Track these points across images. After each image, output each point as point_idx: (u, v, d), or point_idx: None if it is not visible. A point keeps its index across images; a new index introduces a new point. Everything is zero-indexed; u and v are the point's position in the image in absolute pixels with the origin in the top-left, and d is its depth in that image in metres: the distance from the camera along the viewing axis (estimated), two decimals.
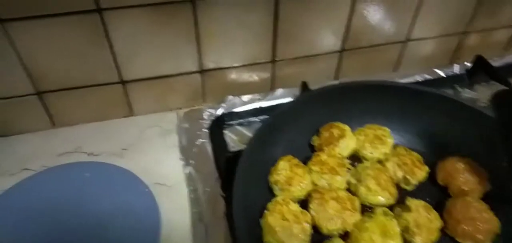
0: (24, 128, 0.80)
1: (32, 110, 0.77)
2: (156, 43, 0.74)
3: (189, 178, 0.72)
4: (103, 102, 0.81)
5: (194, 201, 0.69)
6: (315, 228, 0.57)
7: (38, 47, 0.69)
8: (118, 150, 0.77)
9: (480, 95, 0.87)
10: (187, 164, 0.75)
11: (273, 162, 0.63)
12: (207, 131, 0.79)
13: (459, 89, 0.90)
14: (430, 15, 0.86)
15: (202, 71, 0.82)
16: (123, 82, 0.78)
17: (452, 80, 0.91)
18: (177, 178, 0.73)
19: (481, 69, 0.88)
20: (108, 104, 0.81)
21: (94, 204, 0.66)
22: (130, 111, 0.84)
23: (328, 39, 0.85)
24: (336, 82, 0.90)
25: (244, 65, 0.84)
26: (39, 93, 0.75)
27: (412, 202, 0.57)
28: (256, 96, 0.85)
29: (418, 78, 0.90)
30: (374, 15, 0.83)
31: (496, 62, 0.91)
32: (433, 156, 0.66)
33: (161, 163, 0.75)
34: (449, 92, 0.87)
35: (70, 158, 0.75)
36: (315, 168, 0.61)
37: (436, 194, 0.63)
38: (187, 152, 0.76)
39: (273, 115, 0.61)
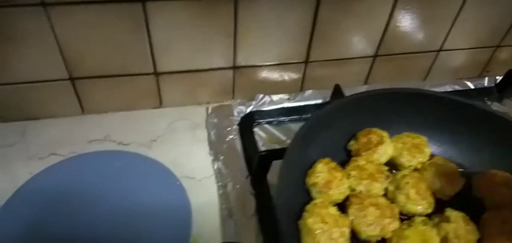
0: (54, 112, 0.79)
1: (63, 95, 0.77)
2: (193, 37, 0.74)
3: (218, 174, 0.72)
4: (135, 92, 0.80)
5: (223, 197, 0.69)
6: (353, 233, 0.56)
7: (77, 33, 0.68)
8: (147, 141, 0.77)
9: (509, 109, 0.87)
10: (216, 159, 0.74)
11: (310, 164, 0.62)
12: (237, 127, 0.78)
13: (488, 102, 0.89)
14: (466, 26, 0.86)
15: (234, 68, 0.81)
16: (157, 74, 0.78)
17: (481, 92, 0.90)
18: (206, 172, 0.73)
19: (511, 84, 0.87)
20: (139, 94, 0.81)
21: (124, 194, 0.66)
22: (159, 103, 0.84)
23: (363, 44, 0.84)
24: (365, 87, 0.90)
25: (276, 64, 0.83)
26: (72, 79, 0.75)
27: (452, 213, 0.56)
28: (286, 96, 0.85)
29: (448, 88, 0.90)
30: (411, 23, 0.82)
31: None
32: (471, 167, 0.66)
33: (190, 156, 0.75)
34: (478, 104, 0.87)
35: (99, 146, 0.75)
36: (353, 173, 0.61)
37: (470, 206, 0.62)
38: (217, 147, 0.76)
39: (313, 118, 0.61)
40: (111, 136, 0.77)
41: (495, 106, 0.89)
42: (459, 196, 0.63)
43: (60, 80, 0.74)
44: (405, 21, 0.81)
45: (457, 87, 0.90)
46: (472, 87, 0.91)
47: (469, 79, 0.93)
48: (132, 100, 0.82)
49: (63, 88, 0.76)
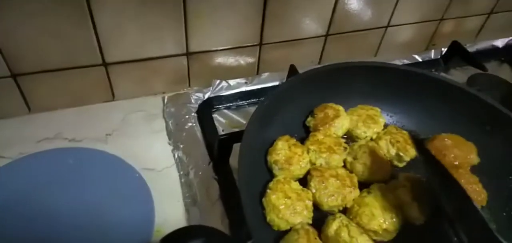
0: None
1: (7, 94, 0.72)
2: (141, 24, 0.71)
3: (180, 163, 0.71)
4: (84, 86, 0.77)
5: (186, 185, 0.67)
6: (315, 206, 0.57)
7: (15, 26, 0.64)
8: (102, 136, 0.74)
9: (455, 78, 0.91)
10: (176, 148, 0.73)
11: (270, 143, 0.62)
12: (195, 115, 0.77)
13: (435, 73, 0.93)
14: (411, 1, 0.89)
15: (188, 54, 0.80)
16: (106, 65, 0.75)
17: (428, 64, 0.95)
18: (167, 162, 0.71)
19: (456, 54, 0.92)
20: (89, 88, 0.77)
21: (81, 191, 0.63)
22: (112, 96, 0.81)
23: (314, 24, 0.86)
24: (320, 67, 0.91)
25: (231, 48, 0.83)
26: (14, 76, 0.70)
27: (403, 175, 0.59)
28: (243, 80, 0.85)
29: (397, 62, 0.93)
30: (359, 1, 0.84)
31: (469, 48, 0.95)
32: (422, 134, 0.69)
33: (148, 148, 0.73)
34: (427, 72, 0.91)
35: (50, 145, 0.71)
36: (313, 147, 0.62)
37: None
38: (176, 136, 0.74)
39: (269, 97, 0.61)
40: (62, 134, 0.73)
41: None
42: (415, 162, 0.66)
43: (1, 78, 0.69)
44: None
45: (406, 61, 0.94)
46: (420, 60, 0.95)
47: (417, 53, 0.97)
48: (82, 94, 0.78)
49: (6, 86, 0.71)
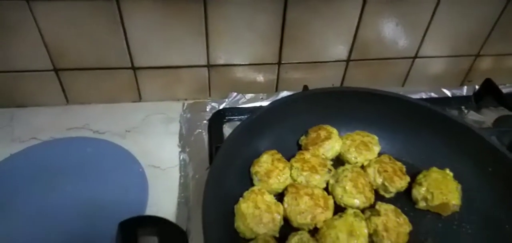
0: (41, 101, 0.86)
1: (49, 86, 0.83)
2: (166, 35, 0.79)
3: (183, 164, 0.76)
4: (114, 85, 0.86)
5: (183, 185, 0.72)
6: (287, 221, 0.58)
7: (59, 27, 0.74)
8: (122, 131, 0.82)
9: (486, 118, 0.86)
10: (183, 151, 0.78)
11: (258, 155, 0.65)
12: (206, 122, 0.82)
13: (465, 111, 0.88)
14: (440, 34, 0.86)
15: (210, 66, 0.85)
16: (134, 69, 0.83)
17: (458, 101, 0.90)
18: (172, 163, 0.76)
19: (489, 93, 0.86)
20: (118, 88, 0.86)
21: (90, 177, 0.71)
22: (139, 97, 0.89)
23: (335, 48, 0.86)
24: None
25: (250, 65, 0.87)
26: (57, 70, 0.81)
27: (382, 206, 0.57)
28: (259, 95, 0.88)
29: (423, 95, 0.90)
30: (382, 27, 0.84)
31: (506, 88, 0.88)
32: (421, 167, 0.66)
33: (159, 147, 0.79)
34: (453, 112, 0.86)
35: (76, 133, 0.81)
36: (296, 164, 0.63)
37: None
38: (185, 140, 0.80)
39: (262, 110, 0.63)
40: (89, 125, 0.83)
41: (472, 115, 0.88)
42: (404, 194, 0.64)
43: (45, 71, 0.81)
44: (377, 26, 0.83)
45: (433, 95, 0.90)
46: (450, 95, 0.91)
47: (448, 87, 0.92)
48: (113, 93, 0.87)
49: (49, 78, 0.82)
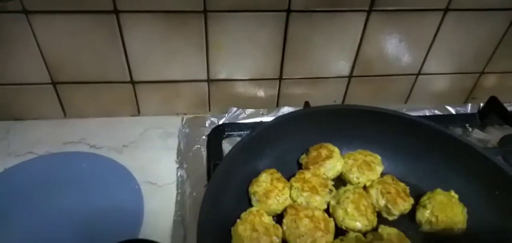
0: (38, 115, 0.85)
1: (46, 99, 0.82)
2: (166, 49, 0.78)
3: (180, 181, 0.74)
4: (113, 99, 0.84)
5: (180, 203, 0.70)
6: None
7: (57, 40, 0.73)
8: (119, 146, 0.80)
9: (491, 137, 0.84)
10: (180, 167, 0.76)
11: (257, 174, 0.63)
12: (205, 138, 0.80)
13: (469, 128, 0.86)
14: (444, 51, 0.85)
15: (210, 81, 0.84)
16: (133, 83, 0.82)
17: (462, 118, 0.88)
18: (169, 179, 0.75)
19: (494, 111, 0.84)
20: (117, 102, 0.85)
21: (84, 192, 0.70)
22: (137, 111, 0.88)
23: (337, 63, 0.85)
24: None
25: (251, 79, 0.85)
26: (54, 84, 0.80)
27: (384, 230, 0.55)
28: (259, 111, 0.86)
29: (427, 112, 0.88)
30: (385, 44, 0.82)
31: (511, 106, 0.87)
32: (425, 189, 0.64)
33: (157, 163, 0.77)
34: (457, 130, 0.85)
35: (73, 147, 0.79)
36: (296, 184, 0.61)
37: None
38: (183, 156, 0.78)
39: (262, 127, 0.62)
40: (86, 139, 0.81)
41: (476, 133, 0.86)
42: (409, 217, 0.62)
43: (43, 84, 0.80)
44: (379, 42, 0.82)
45: (437, 112, 0.89)
46: (454, 112, 0.89)
47: (452, 105, 0.91)
48: (111, 107, 0.86)
49: (47, 91, 0.81)
